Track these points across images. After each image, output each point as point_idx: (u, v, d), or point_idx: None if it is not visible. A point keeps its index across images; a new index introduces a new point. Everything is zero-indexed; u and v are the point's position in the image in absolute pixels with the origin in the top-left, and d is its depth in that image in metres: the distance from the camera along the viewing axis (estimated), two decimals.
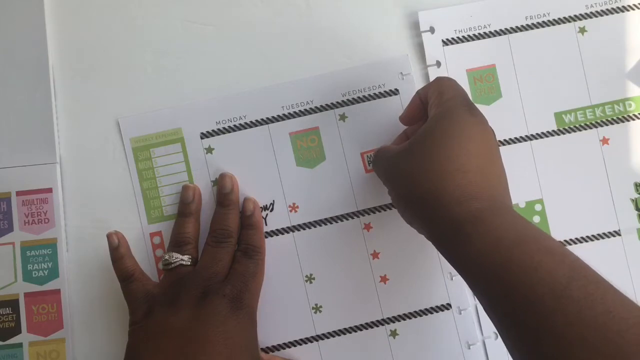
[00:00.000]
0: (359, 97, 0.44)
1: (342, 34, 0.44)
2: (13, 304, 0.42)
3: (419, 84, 0.44)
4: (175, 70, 0.44)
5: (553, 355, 0.26)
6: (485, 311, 0.31)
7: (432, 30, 0.44)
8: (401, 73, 0.44)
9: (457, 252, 0.32)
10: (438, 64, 0.44)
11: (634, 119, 0.44)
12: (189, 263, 0.40)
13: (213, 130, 0.44)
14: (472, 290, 0.32)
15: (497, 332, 0.31)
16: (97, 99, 0.44)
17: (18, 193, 0.43)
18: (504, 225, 0.31)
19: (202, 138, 0.44)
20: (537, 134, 0.44)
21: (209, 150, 0.44)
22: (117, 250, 0.41)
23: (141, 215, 0.43)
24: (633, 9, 0.44)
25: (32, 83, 0.44)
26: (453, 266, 0.33)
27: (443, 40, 0.44)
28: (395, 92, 0.44)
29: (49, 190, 0.43)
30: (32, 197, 0.43)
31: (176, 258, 0.39)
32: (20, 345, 0.42)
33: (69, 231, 0.43)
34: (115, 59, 0.45)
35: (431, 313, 0.43)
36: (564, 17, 0.44)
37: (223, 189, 0.42)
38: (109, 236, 0.41)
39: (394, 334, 0.43)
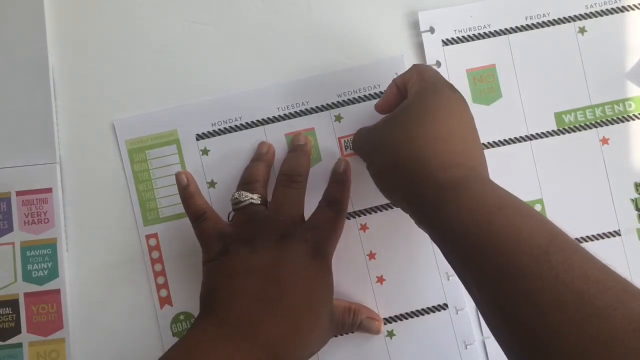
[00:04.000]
0: (354, 98, 0.44)
1: (342, 34, 0.44)
2: (13, 304, 0.42)
3: None
4: (176, 71, 0.44)
5: (531, 318, 0.27)
6: (464, 281, 0.32)
7: (432, 30, 0.44)
8: (396, 73, 0.44)
9: (438, 218, 0.32)
10: (438, 63, 0.44)
11: (633, 119, 0.44)
12: (259, 202, 0.39)
13: (209, 132, 0.44)
14: (450, 259, 0.32)
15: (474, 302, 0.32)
16: (97, 99, 0.44)
17: (18, 193, 0.43)
18: (485, 192, 0.31)
19: (197, 139, 0.44)
20: (537, 134, 0.44)
21: (205, 151, 0.44)
22: (187, 189, 0.40)
23: (137, 217, 0.43)
24: (633, 9, 0.44)
25: (32, 83, 0.44)
26: (433, 235, 0.33)
27: (443, 40, 0.44)
28: None
29: (49, 190, 0.43)
30: (32, 197, 0.43)
31: (245, 196, 0.39)
32: (20, 345, 0.42)
33: (68, 231, 0.43)
34: (115, 59, 0.45)
35: (428, 313, 0.43)
36: (564, 17, 0.44)
37: (297, 141, 0.42)
38: (177, 175, 0.41)
39: (390, 334, 0.43)
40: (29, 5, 0.44)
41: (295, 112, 0.44)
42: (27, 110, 0.43)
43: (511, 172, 0.44)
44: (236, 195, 0.39)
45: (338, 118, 0.44)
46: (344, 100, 0.44)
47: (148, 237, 0.43)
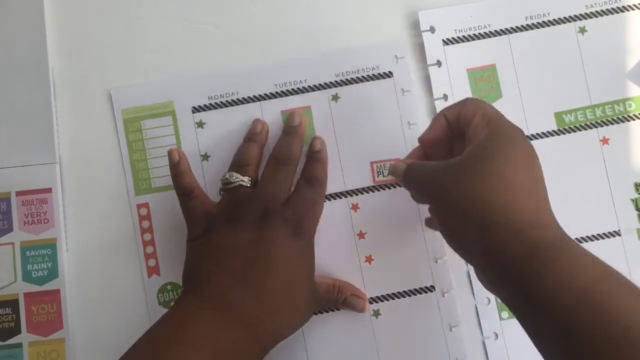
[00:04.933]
0: (352, 78, 0.44)
1: (342, 34, 0.44)
2: (13, 304, 0.42)
3: (415, 75, 0.44)
4: (177, 69, 0.44)
5: None
6: (542, 346, 0.30)
7: (432, 30, 0.44)
8: (396, 56, 0.44)
9: (527, 279, 0.30)
10: (439, 63, 0.44)
11: (634, 119, 0.44)
12: (249, 184, 0.39)
13: (205, 105, 0.44)
14: (529, 322, 0.31)
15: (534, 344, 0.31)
16: (97, 99, 0.44)
17: (18, 193, 0.43)
18: (581, 260, 0.30)
19: (193, 112, 0.44)
20: (537, 133, 0.44)
21: (200, 124, 0.44)
22: (178, 166, 0.40)
23: (129, 186, 0.43)
24: (633, 9, 0.45)
25: (32, 83, 0.44)
26: (514, 295, 0.31)
27: (443, 40, 0.44)
28: (389, 74, 0.44)
29: (49, 190, 0.43)
30: (32, 197, 0.43)
31: (236, 178, 0.39)
32: (20, 345, 0.42)
33: (68, 231, 0.43)
34: (115, 59, 0.45)
35: (415, 294, 0.43)
36: (564, 17, 0.44)
37: (292, 122, 0.42)
38: (170, 152, 0.41)
39: (376, 313, 0.43)
40: (29, 5, 0.44)
41: (292, 89, 0.44)
42: (27, 110, 0.43)
43: None
44: (227, 175, 0.40)
45: (335, 97, 0.44)
46: (341, 80, 0.44)
47: (139, 206, 0.43)
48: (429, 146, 0.39)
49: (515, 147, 0.32)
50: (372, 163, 0.43)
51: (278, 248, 0.36)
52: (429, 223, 0.42)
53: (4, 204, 0.43)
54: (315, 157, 0.42)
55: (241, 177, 0.39)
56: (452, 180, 0.33)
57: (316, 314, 0.42)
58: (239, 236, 0.37)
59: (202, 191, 0.41)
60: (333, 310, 0.43)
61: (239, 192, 0.39)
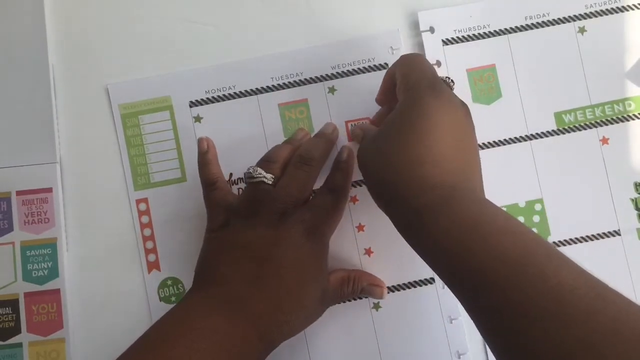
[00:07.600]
0: (348, 70, 0.44)
1: (342, 34, 0.44)
2: (13, 303, 0.42)
3: None
4: (173, 66, 0.44)
5: (515, 328, 0.27)
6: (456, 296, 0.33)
7: (432, 30, 0.44)
8: (391, 47, 0.44)
9: (417, 241, 0.33)
10: (438, 63, 0.44)
11: (633, 119, 0.44)
12: (271, 182, 0.39)
13: (202, 99, 0.44)
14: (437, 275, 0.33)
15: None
16: (97, 99, 0.44)
17: (18, 193, 0.43)
18: (461, 212, 0.31)
19: (190, 107, 0.44)
20: (537, 133, 0.44)
21: (197, 119, 0.44)
22: (205, 155, 0.41)
23: (128, 181, 0.44)
24: (633, 9, 0.45)
25: (32, 83, 0.44)
26: (417, 252, 0.34)
27: (443, 40, 0.44)
28: (384, 66, 0.44)
29: (49, 190, 0.43)
30: (32, 196, 0.43)
31: (259, 174, 0.39)
32: (20, 345, 0.42)
33: (68, 231, 0.43)
34: (115, 59, 0.45)
35: (415, 287, 0.43)
36: (564, 17, 0.44)
37: (325, 129, 0.43)
38: (199, 141, 0.42)
39: (377, 306, 0.43)
40: (29, 5, 0.44)
41: (289, 82, 0.44)
42: (27, 110, 0.43)
43: (511, 172, 0.44)
44: (251, 170, 0.39)
45: (332, 90, 0.44)
46: (338, 73, 0.44)
47: (138, 201, 0.43)
48: (382, 104, 0.41)
49: (410, 112, 0.34)
50: (347, 122, 0.44)
51: (291, 249, 0.37)
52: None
53: (4, 204, 0.43)
54: (340, 167, 0.42)
55: (264, 174, 0.39)
56: (365, 155, 0.37)
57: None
58: (254, 234, 0.37)
59: (225, 183, 0.41)
60: (350, 300, 0.43)
61: (260, 188, 0.39)
